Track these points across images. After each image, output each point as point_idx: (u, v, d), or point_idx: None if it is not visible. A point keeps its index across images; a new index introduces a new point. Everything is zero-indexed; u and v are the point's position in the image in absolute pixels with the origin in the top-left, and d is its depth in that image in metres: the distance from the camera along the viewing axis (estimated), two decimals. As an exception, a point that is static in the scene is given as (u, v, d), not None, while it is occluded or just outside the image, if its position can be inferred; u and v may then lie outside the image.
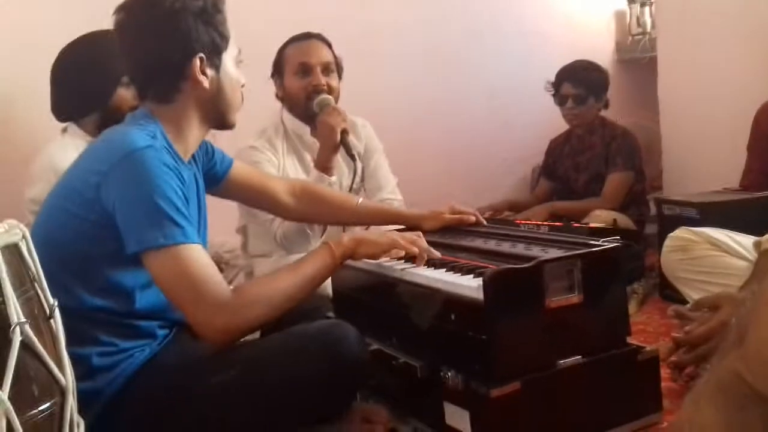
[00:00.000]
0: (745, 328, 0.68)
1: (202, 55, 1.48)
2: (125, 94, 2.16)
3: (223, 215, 2.17)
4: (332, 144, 2.18)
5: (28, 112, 2.49)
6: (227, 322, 1.34)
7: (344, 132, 2.18)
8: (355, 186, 2.22)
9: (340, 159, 2.27)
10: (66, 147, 2.12)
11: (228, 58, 1.54)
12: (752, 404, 0.65)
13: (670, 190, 3.13)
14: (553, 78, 3.18)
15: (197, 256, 1.35)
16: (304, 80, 2.27)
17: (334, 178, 2.20)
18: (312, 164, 2.29)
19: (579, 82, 3.04)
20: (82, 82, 2.16)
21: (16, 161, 2.37)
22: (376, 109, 2.70)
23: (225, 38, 1.53)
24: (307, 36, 2.33)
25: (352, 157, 2.20)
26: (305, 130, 2.32)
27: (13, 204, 2.18)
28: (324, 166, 2.19)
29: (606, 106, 3.15)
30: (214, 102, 1.53)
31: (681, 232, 2.14)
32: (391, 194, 2.40)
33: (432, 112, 3.48)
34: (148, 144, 1.38)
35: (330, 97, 2.26)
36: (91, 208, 1.36)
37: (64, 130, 2.25)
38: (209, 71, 1.50)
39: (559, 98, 3.11)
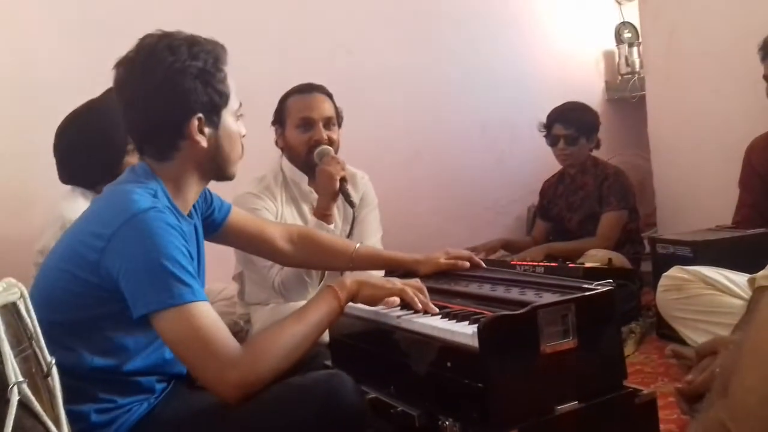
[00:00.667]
0: (729, 377, 0.68)
1: (200, 115, 1.48)
2: (132, 161, 2.14)
3: (220, 262, 2.19)
4: (331, 191, 2.22)
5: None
6: (240, 378, 1.33)
7: (343, 180, 2.22)
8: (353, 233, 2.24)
9: (335, 208, 2.29)
10: (76, 198, 2.16)
11: (227, 114, 1.54)
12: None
13: (665, 228, 3.15)
14: (544, 119, 3.23)
15: (206, 313, 1.35)
16: (306, 134, 2.32)
17: (332, 226, 2.23)
18: (309, 214, 2.32)
19: (570, 123, 3.10)
20: (89, 158, 2.16)
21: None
22: (368, 151, 2.75)
23: (224, 96, 1.52)
24: (309, 88, 2.37)
25: (350, 204, 2.24)
26: (303, 178, 2.36)
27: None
28: (323, 213, 2.22)
29: (597, 146, 3.20)
30: (213, 158, 1.53)
31: (675, 272, 2.15)
32: (375, 244, 2.41)
33: (425, 154, 3.52)
34: (150, 206, 1.38)
35: (330, 147, 2.30)
36: (95, 272, 1.36)
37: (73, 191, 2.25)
38: (207, 130, 1.50)
39: (551, 139, 3.16)
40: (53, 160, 2.26)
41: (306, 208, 2.36)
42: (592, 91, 4.07)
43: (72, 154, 2.20)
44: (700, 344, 1.77)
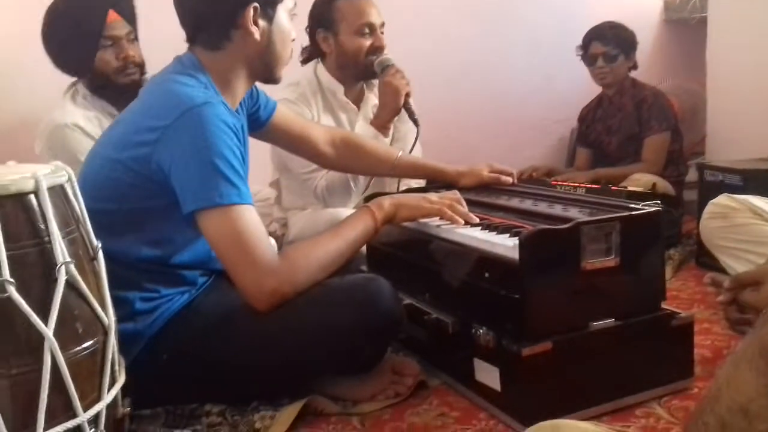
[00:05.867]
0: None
1: (256, 4, 1.45)
2: (105, 56, 2.12)
3: (256, 164, 2.18)
4: (395, 106, 2.18)
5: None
6: (275, 287, 1.35)
7: (407, 96, 2.18)
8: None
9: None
10: (64, 105, 2.16)
11: (282, 9, 1.50)
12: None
13: (713, 156, 3.05)
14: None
15: (250, 217, 1.36)
16: (366, 40, 2.24)
17: (388, 139, 2.20)
18: (347, 123, 2.29)
19: (608, 40, 3.01)
20: (63, 50, 2.12)
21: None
22: (416, 65, 2.66)
23: None
24: None
25: (414, 121, 2.20)
26: (340, 88, 2.30)
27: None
28: (382, 125, 2.19)
29: (635, 66, 3.10)
30: (263, 54, 1.50)
31: (722, 199, 2.09)
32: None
33: (472, 68, 3.43)
34: (205, 100, 1.37)
35: (391, 57, 2.24)
36: (147, 164, 1.36)
37: (70, 88, 2.22)
38: (261, 22, 1.47)
39: (589, 58, 3.08)
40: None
41: (343, 117, 2.32)
42: (649, 11, 3.89)
43: (49, 47, 2.13)
44: (741, 272, 1.74)
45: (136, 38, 2.18)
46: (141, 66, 2.18)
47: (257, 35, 1.47)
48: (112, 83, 2.14)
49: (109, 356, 1.15)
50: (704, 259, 2.40)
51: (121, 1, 2.12)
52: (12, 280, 1.00)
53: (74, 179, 1.16)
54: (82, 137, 2.10)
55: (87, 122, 2.13)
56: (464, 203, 1.63)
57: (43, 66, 2.16)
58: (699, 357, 1.61)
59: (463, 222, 1.56)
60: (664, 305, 1.51)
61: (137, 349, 1.40)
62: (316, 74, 2.32)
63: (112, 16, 2.10)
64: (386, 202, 1.57)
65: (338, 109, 2.32)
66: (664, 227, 1.51)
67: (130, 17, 2.15)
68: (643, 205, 1.49)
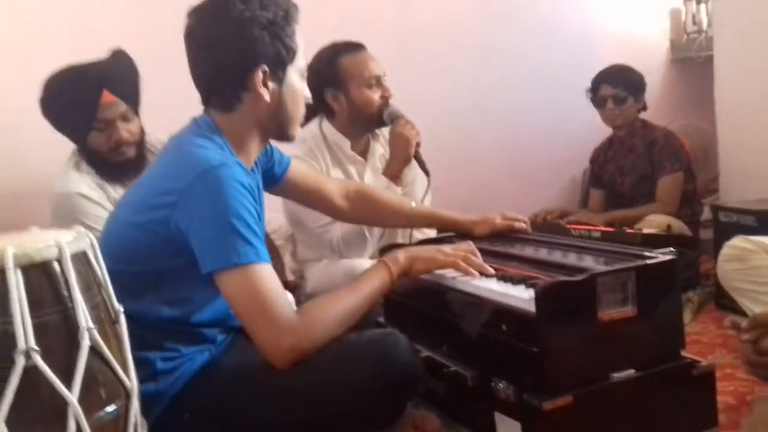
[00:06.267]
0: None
1: (265, 67, 1.47)
2: (98, 138, 2.12)
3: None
4: (406, 156, 2.22)
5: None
6: (294, 344, 1.36)
7: (417, 145, 2.22)
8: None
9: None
10: (67, 173, 2.16)
11: (293, 71, 1.53)
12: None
13: (727, 196, 3.05)
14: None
15: (268, 276, 1.37)
16: (375, 92, 2.28)
17: (400, 189, 2.23)
18: (356, 176, 2.31)
19: (617, 83, 3.05)
20: (59, 124, 2.13)
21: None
22: (426, 106, 2.70)
23: (291, 51, 1.50)
24: (358, 46, 2.32)
25: (425, 171, 2.23)
26: (346, 143, 2.33)
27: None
28: (394, 175, 2.22)
29: (644, 107, 3.13)
30: (275, 115, 1.53)
31: (738, 241, 2.08)
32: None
33: (484, 110, 3.47)
34: (221, 162, 1.39)
35: (400, 108, 2.28)
36: (166, 226, 1.39)
37: (74, 155, 2.22)
38: (271, 84, 1.50)
39: (598, 101, 3.11)
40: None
41: (352, 170, 2.35)
42: (656, 51, 3.94)
43: (44, 112, 2.12)
44: (759, 312, 1.73)
45: (135, 113, 2.17)
46: (137, 143, 2.16)
47: (267, 97, 1.49)
48: (106, 161, 2.15)
49: (132, 420, 1.16)
50: (723, 301, 2.38)
51: (116, 80, 2.11)
52: (37, 348, 1.02)
53: (96, 244, 1.18)
54: (89, 205, 2.11)
55: (91, 190, 2.14)
56: (479, 254, 1.64)
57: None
58: (723, 404, 1.59)
59: (478, 274, 1.57)
60: (684, 353, 1.50)
61: (159, 409, 1.41)
62: (321, 130, 2.34)
63: (106, 97, 2.09)
64: (401, 255, 1.58)
65: (346, 162, 2.35)
66: (680, 274, 1.51)
67: (128, 93, 2.14)
68: (657, 253, 1.49)
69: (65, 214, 2.09)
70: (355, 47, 2.32)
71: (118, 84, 2.10)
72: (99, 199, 2.14)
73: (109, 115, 2.10)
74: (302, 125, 2.31)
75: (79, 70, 2.08)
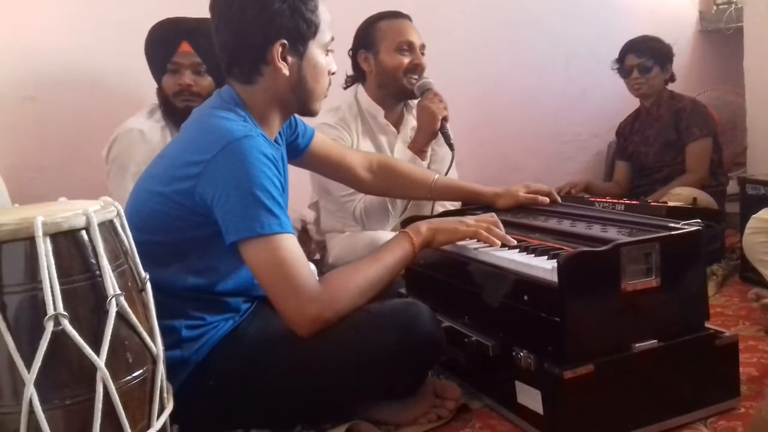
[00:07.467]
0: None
1: (284, 41, 1.47)
2: (169, 80, 2.27)
3: (294, 189, 2.21)
4: (432, 130, 2.21)
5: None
6: (317, 314, 1.38)
7: (444, 120, 2.20)
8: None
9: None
10: (136, 115, 2.31)
11: (315, 45, 1.52)
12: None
13: (754, 169, 3.00)
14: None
15: (291, 246, 1.38)
16: (405, 58, 2.28)
17: (425, 163, 2.23)
18: (387, 147, 2.31)
19: (642, 52, 3.02)
20: (148, 62, 2.32)
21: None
22: (451, 80, 2.67)
23: (313, 25, 1.50)
24: (401, 14, 2.34)
25: (450, 146, 2.23)
26: (380, 111, 2.33)
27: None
28: (420, 149, 2.22)
29: (672, 78, 3.08)
30: (295, 89, 1.53)
31: (764, 214, 2.06)
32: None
33: (507, 83, 3.43)
34: (245, 133, 1.40)
35: (431, 81, 2.27)
36: (190, 197, 1.40)
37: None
38: (290, 58, 1.49)
39: (624, 70, 3.08)
40: None
41: (383, 140, 2.35)
42: (684, 22, 3.86)
43: (144, 52, 2.32)
44: None
45: (206, 72, 2.29)
46: (201, 96, 2.25)
47: (285, 71, 1.49)
48: (172, 105, 2.28)
49: (158, 384, 1.18)
50: (748, 274, 2.36)
51: (199, 37, 2.23)
52: (66, 313, 1.04)
53: (122, 213, 1.20)
54: (141, 143, 2.21)
55: (152, 131, 2.25)
56: (501, 225, 1.64)
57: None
58: (745, 376, 1.58)
59: (500, 244, 1.57)
60: (708, 324, 1.49)
61: (184, 376, 1.43)
62: (356, 98, 2.36)
63: (184, 47, 2.25)
64: (423, 227, 1.58)
65: (378, 132, 2.35)
66: (705, 245, 1.49)
67: (205, 53, 2.25)
68: (683, 224, 1.48)
69: (116, 149, 2.23)
70: (397, 15, 2.35)
71: (200, 41, 2.24)
72: (157, 142, 2.21)
73: (181, 60, 2.25)
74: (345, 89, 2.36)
75: (174, 21, 2.30)
